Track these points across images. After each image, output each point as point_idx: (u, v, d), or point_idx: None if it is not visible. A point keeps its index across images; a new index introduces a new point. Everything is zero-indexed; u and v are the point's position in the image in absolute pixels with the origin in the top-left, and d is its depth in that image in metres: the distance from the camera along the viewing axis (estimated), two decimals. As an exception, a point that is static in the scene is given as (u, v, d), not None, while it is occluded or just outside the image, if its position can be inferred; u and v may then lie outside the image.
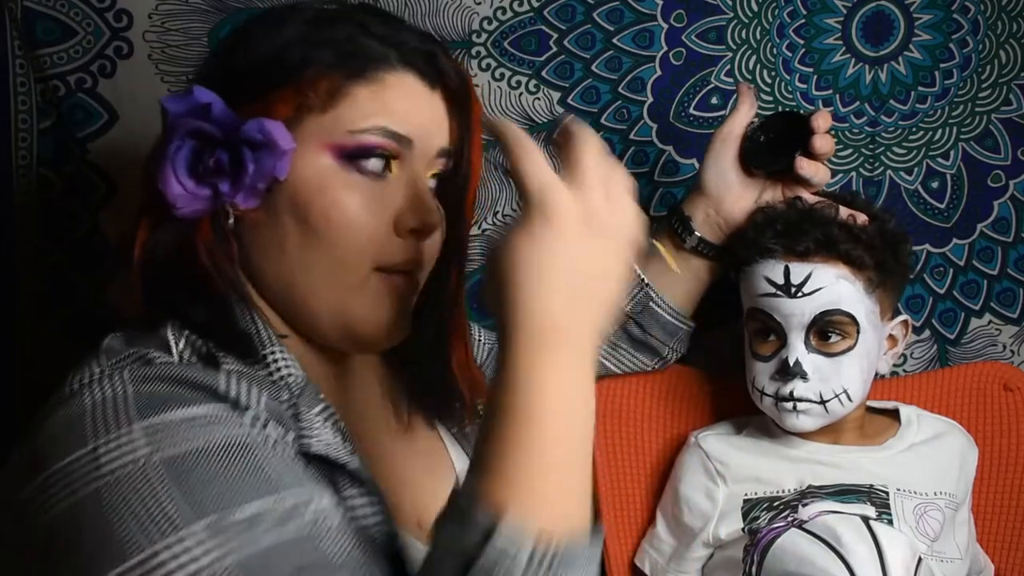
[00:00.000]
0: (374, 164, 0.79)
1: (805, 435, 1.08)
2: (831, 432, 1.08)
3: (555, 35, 1.18)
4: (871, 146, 1.26)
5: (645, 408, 1.20)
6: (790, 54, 1.23)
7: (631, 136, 1.22)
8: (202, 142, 0.78)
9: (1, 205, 1.10)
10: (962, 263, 1.28)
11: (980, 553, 1.15)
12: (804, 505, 1.03)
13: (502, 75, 1.18)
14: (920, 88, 1.25)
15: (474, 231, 1.11)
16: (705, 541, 1.09)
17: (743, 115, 1.09)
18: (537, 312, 0.64)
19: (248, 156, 0.76)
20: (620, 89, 1.21)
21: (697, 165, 1.16)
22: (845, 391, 1.03)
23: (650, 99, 1.21)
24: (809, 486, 1.06)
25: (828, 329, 1.03)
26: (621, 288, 0.67)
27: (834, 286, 1.02)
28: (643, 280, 1.11)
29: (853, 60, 1.24)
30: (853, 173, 1.25)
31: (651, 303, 1.11)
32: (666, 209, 1.17)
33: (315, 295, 0.80)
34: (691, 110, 1.22)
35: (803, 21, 1.23)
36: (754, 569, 1.01)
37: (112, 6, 1.09)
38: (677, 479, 1.13)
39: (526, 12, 1.17)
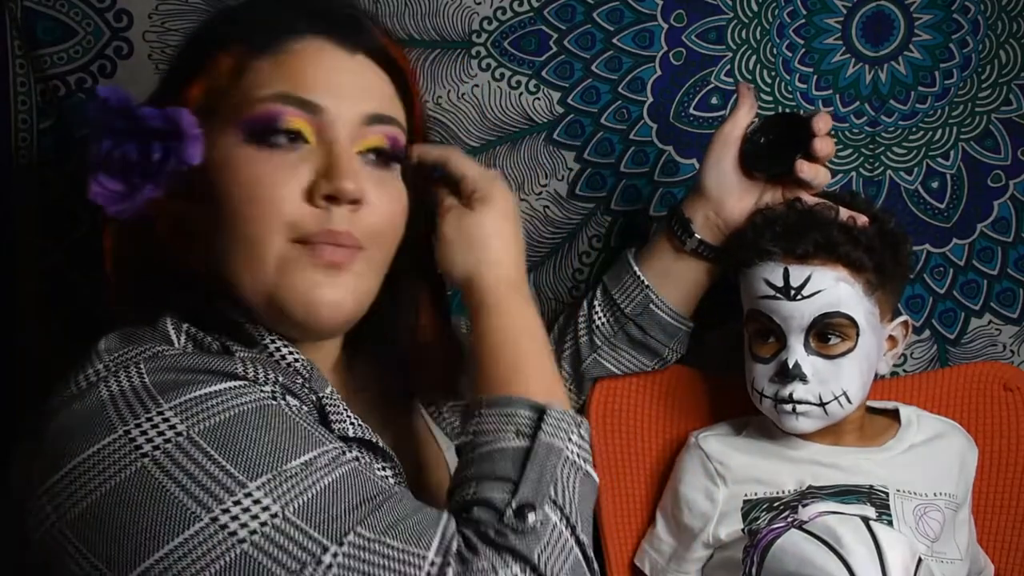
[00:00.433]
0: (281, 135, 0.77)
1: (805, 436, 1.08)
2: (831, 433, 1.08)
3: (555, 35, 1.18)
4: (871, 146, 1.25)
5: (645, 408, 1.20)
6: (790, 54, 1.23)
7: (631, 136, 1.22)
8: (115, 141, 0.77)
9: (1, 205, 1.10)
10: (962, 263, 1.28)
11: (980, 553, 1.15)
12: (804, 506, 1.03)
13: (502, 75, 1.18)
14: (920, 88, 1.25)
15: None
16: (705, 542, 1.09)
17: (743, 116, 1.08)
18: (512, 267, 0.86)
19: (155, 146, 0.75)
20: (620, 89, 1.20)
21: (697, 165, 1.16)
22: (844, 393, 1.03)
23: (650, 99, 1.21)
24: (809, 487, 1.06)
25: (827, 331, 1.03)
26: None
27: (833, 288, 1.02)
28: (643, 282, 1.11)
29: (853, 60, 1.24)
30: (853, 173, 1.25)
31: (651, 304, 1.11)
32: (666, 209, 1.17)
33: (241, 281, 0.78)
34: (691, 110, 1.22)
35: (803, 21, 1.22)
36: (754, 570, 1.01)
37: (112, 6, 1.09)
38: (677, 479, 1.13)
39: (526, 12, 1.17)
